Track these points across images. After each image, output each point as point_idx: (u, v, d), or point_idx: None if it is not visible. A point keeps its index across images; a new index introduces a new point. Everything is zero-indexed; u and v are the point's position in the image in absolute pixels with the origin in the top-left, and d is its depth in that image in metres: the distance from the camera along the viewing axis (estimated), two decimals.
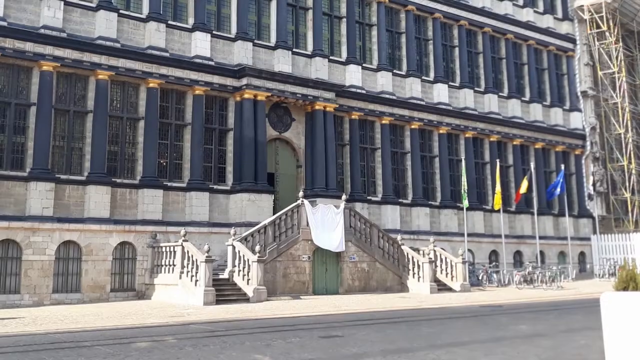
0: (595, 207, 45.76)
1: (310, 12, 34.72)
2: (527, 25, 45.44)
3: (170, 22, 29.91)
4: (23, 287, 24.01)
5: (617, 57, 48.18)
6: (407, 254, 30.87)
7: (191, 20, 30.64)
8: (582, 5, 48.33)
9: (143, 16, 29.25)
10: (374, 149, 36.17)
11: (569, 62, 48.21)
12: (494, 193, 38.42)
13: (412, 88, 38.14)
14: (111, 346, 12.83)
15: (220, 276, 25.41)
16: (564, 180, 41.35)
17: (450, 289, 30.73)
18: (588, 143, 46.94)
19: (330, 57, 35.00)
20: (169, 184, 28.66)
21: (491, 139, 41.54)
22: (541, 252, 41.33)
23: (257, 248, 24.87)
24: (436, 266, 31.30)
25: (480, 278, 34.75)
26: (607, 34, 48.02)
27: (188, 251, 24.46)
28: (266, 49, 32.62)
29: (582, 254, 45.18)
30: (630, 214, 46.48)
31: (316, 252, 28.07)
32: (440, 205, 38.11)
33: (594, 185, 45.76)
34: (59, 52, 26.34)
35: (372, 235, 30.35)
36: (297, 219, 27.86)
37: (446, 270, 31.59)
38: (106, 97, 27.37)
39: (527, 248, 41.23)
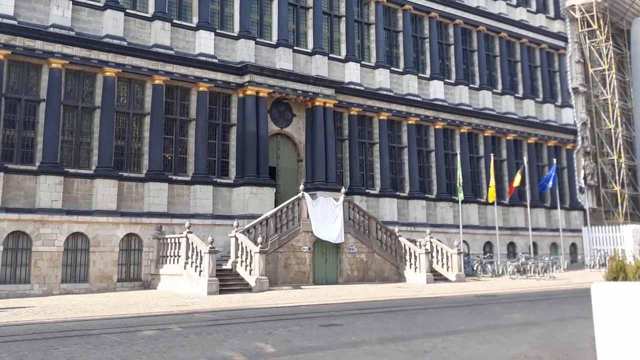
0: (586, 200, 45.71)
1: (311, 11, 34.65)
2: (521, 24, 45.37)
3: (175, 21, 29.86)
4: (33, 277, 24.02)
5: (607, 55, 48.13)
6: (404, 245, 30.86)
7: (195, 19, 30.60)
8: (574, 5, 48.27)
9: (149, 15, 29.19)
10: (372, 144, 36.14)
11: (561, 59, 48.13)
12: (488, 186, 38.38)
13: (409, 85, 38.09)
14: (118, 334, 12.83)
15: (224, 267, 25.41)
16: (555, 174, 41.31)
17: (445, 279, 30.75)
18: (579, 138, 46.91)
19: (330, 55, 34.95)
20: (174, 177, 28.64)
21: (485, 134, 41.51)
22: (534, 244, 41.34)
23: (259, 239, 24.87)
24: (432, 257, 31.31)
25: (475, 268, 34.79)
26: (597, 32, 47.96)
27: (192, 242, 24.46)
28: (268, 47, 32.55)
29: (573, 245, 45.19)
30: (620, 207, 46.47)
31: (316, 244, 28.07)
32: (437, 198, 38.10)
33: (585, 178, 45.73)
34: (68, 50, 26.31)
35: (370, 227, 30.33)
36: (297, 211, 27.85)
37: (442, 261, 31.61)
38: (113, 93, 27.34)
39: (520, 239, 41.23)
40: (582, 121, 47.10)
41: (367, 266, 29.59)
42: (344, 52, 35.81)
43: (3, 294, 23.05)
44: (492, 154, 39.32)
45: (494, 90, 43.00)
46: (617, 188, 46.45)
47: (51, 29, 26.05)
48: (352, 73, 35.42)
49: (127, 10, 28.52)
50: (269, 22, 33.24)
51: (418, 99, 38.03)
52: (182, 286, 24.49)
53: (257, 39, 32.18)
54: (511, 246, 41.07)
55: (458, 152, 38.11)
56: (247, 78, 30.51)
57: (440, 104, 39.03)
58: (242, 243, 25.44)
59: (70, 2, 26.82)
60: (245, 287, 24.34)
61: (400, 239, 31.07)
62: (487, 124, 41.47)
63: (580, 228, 45.13)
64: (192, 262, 24.30)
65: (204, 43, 30.19)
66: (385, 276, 30.08)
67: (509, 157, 42.60)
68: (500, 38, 44.13)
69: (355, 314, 16.79)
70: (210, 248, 23.19)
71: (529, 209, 39.89)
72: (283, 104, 32.75)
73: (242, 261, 25.29)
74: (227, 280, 24.35)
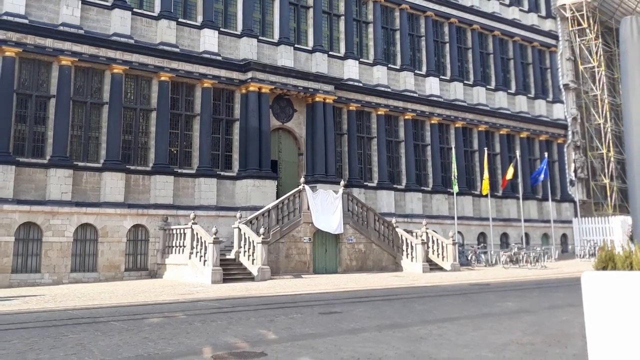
0: (577, 192, 45.75)
1: (311, 10, 34.59)
2: (513, 23, 45.31)
3: (180, 19, 29.81)
4: (43, 267, 24.03)
5: (596, 53, 48.06)
6: (401, 235, 30.86)
7: (200, 18, 30.53)
8: (564, 4, 48.20)
9: (155, 14, 29.13)
10: (370, 138, 36.10)
11: (552, 57, 48.07)
12: (482, 179, 38.37)
13: (406, 81, 38.05)
14: (126, 322, 12.82)
15: (227, 256, 25.42)
16: (547, 167, 41.37)
17: (441, 269, 30.76)
18: (570, 132, 46.87)
19: (330, 53, 34.90)
20: (179, 170, 28.63)
21: (479, 129, 41.48)
22: (526, 234, 41.36)
23: (262, 230, 24.88)
24: (428, 247, 31.31)
25: (469, 258, 34.78)
26: (587, 30, 47.89)
27: (197, 233, 24.46)
28: (270, 44, 32.50)
29: (564, 236, 45.21)
30: (609, 199, 46.47)
31: (316, 234, 28.06)
32: (432, 190, 38.09)
33: (575, 171, 45.82)
34: (77, 47, 26.27)
35: (368, 218, 30.32)
36: (298, 203, 27.84)
37: (437, 251, 31.61)
38: (121, 89, 27.30)
39: (513, 230, 41.23)
40: (572, 116, 47.05)
41: (365, 256, 29.59)
42: (343, 50, 35.76)
43: (15, 283, 23.09)
44: (485, 148, 39.32)
45: (488, 87, 42.95)
46: (606, 181, 46.43)
47: (61, 28, 26.01)
48: (351, 70, 35.37)
49: (134, 10, 28.47)
50: (270, 20, 33.19)
51: (414, 95, 38.01)
52: (187, 275, 24.50)
53: (260, 37, 32.14)
54: (504, 237, 41.08)
55: (453, 146, 38.08)
56: (249, 75, 30.48)
57: (436, 100, 38.99)
58: (245, 234, 25.44)
59: (80, 2, 26.78)
60: (248, 276, 24.35)
61: (397, 229, 31.07)
62: (481, 119, 41.44)
63: (571, 219, 45.23)
64: (196, 252, 24.31)
65: (208, 41, 30.14)
66: (382, 266, 30.09)
67: (502, 151, 42.57)
68: (494, 36, 44.07)
69: (354, 302, 16.77)
70: (214, 238, 23.19)
71: (521, 200, 39.89)
72: (284, 99, 32.72)
73: (245, 251, 25.31)
74: (230, 270, 24.36)
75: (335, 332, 11.12)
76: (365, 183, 34.93)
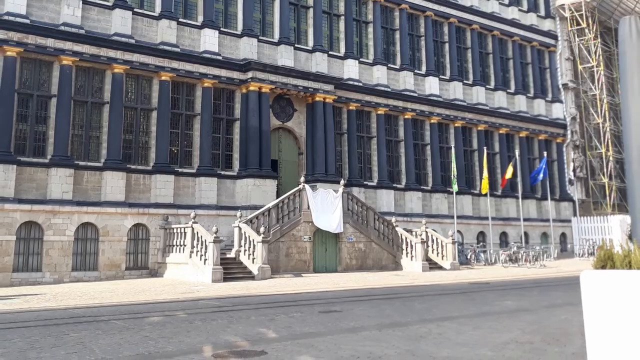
0: (576, 192, 45.75)
1: (311, 10, 34.58)
2: (512, 23, 45.30)
3: (181, 19, 29.80)
4: (44, 266, 24.02)
5: (595, 52, 48.07)
6: (401, 234, 30.86)
7: (200, 18, 30.52)
8: (563, 4, 48.22)
9: (156, 14, 29.12)
10: (370, 137, 36.10)
11: (551, 56, 48.07)
12: (481, 178, 38.33)
13: (406, 81, 38.04)
14: (126, 320, 12.82)
15: (228, 255, 25.40)
16: (546, 167, 41.33)
17: (440, 268, 30.76)
18: (569, 132, 46.87)
19: (330, 52, 34.88)
20: (180, 170, 28.62)
21: (479, 128, 41.48)
22: (525, 233, 41.34)
23: (262, 229, 24.87)
24: (428, 246, 31.31)
25: (468, 257, 34.78)
26: (586, 30, 47.91)
27: (197, 232, 24.46)
28: (270, 44, 32.50)
29: (563, 235, 45.21)
30: (607, 198, 46.46)
31: (316, 233, 28.06)
32: (432, 189, 38.08)
33: (574, 171, 45.82)
34: (78, 47, 26.25)
35: (368, 217, 30.32)
36: (298, 202, 27.84)
37: (437, 250, 31.61)
38: (121, 89, 27.30)
39: (512, 229, 41.23)
40: (571, 116, 47.05)
41: (365, 255, 29.59)
42: (343, 50, 35.75)
43: (16, 282, 23.08)
44: (485, 147, 39.29)
45: (487, 86, 42.96)
46: (605, 180, 46.43)
47: (62, 27, 26.00)
48: (350, 70, 35.37)
49: (135, 10, 28.46)
50: (271, 20, 33.18)
51: (414, 94, 38.01)
52: (188, 274, 24.50)
53: (260, 37, 32.14)
54: (503, 236, 41.08)
55: (452, 145, 38.09)
56: (250, 74, 30.47)
57: (436, 99, 38.99)
58: (245, 233, 25.44)
59: (80, 2, 26.76)
60: (248, 275, 24.35)
61: (397, 228, 31.07)
62: (480, 119, 41.44)
63: (570, 218, 45.23)
64: (197, 251, 24.31)
65: (209, 41, 30.14)
66: (382, 264, 30.09)
67: (501, 150, 42.57)
68: (493, 36, 44.06)
69: (353, 301, 16.78)
70: (215, 237, 23.19)
71: (520, 200, 39.89)
72: (284, 99, 32.71)
73: (245, 250, 25.30)
74: (230, 269, 24.36)
75: (335, 330, 11.12)
76: (365, 182, 34.93)
